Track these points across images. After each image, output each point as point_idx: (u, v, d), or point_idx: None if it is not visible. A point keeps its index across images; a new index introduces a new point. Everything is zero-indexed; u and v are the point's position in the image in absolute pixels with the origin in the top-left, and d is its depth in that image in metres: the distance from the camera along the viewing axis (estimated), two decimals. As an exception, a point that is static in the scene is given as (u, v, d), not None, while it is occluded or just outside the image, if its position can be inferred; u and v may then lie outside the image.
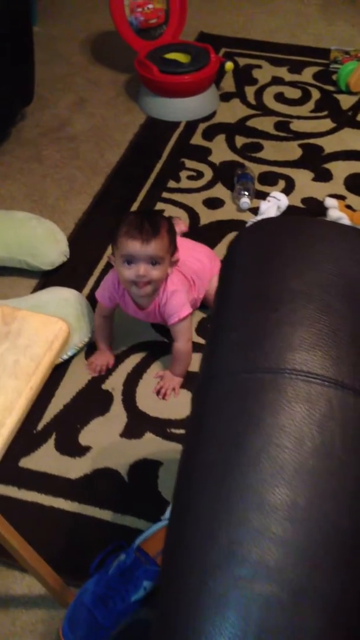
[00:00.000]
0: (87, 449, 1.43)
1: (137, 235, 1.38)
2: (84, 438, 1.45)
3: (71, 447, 1.43)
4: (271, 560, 0.65)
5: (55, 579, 1.16)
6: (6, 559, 1.21)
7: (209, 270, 1.66)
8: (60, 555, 1.26)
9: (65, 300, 1.60)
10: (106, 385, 1.56)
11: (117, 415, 1.50)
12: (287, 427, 0.71)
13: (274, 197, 1.99)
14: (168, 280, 1.49)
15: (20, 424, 0.71)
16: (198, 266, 1.63)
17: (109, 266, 1.83)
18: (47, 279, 1.81)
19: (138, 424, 1.48)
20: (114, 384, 1.56)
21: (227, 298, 0.88)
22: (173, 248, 1.46)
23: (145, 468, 1.40)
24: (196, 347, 1.62)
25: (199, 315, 1.70)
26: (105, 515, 1.32)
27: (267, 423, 0.72)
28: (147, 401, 1.52)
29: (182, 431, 1.46)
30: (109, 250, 1.88)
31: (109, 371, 1.58)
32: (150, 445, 1.44)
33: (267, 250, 0.91)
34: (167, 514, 1.28)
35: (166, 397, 1.53)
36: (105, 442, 1.44)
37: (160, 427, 1.47)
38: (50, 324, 0.78)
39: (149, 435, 1.46)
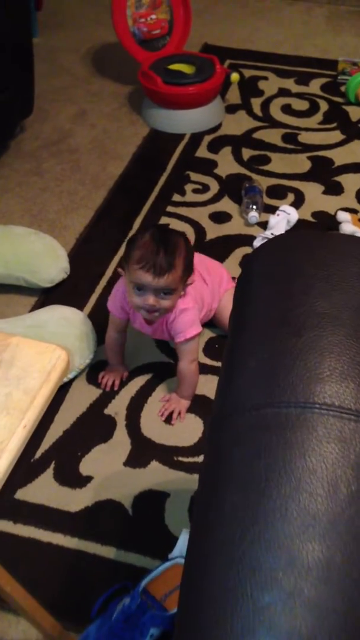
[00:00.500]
0: (88, 479, 1.34)
1: (149, 267, 1.28)
2: (85, 467, 1.36)
3: (71, 477, 1.34)
4: (304, 628, 0.56)
5: (53, 624, 1.06)
6: None
7: (220, 287, 1.58)
8: (58, 597, 1.17)
9: (65, 319, 1.52)
10: (109, 410, 1.47)
11: (121, 442, 1.40)
12: (318, 471, 0.62)
13: (284, 211, 1.91)
14: (180, 300, 1.40)
15: (12, 467, 0.62)
16: (206, 286, 1.54)
17: (111, 282, 1.75)
18: (46, 296, 1.73)
19: (143, 451, 1.39)
20: (117, 408, 1.47)
21: (244, 322, 0.79)
22: (188, 273, 1.36)
23: (151, 500, 1.30)
24: (204, 368, 1.53)
25: (207, 335, 1.62)
26: (108, 552, 1.23)
27: (296, 466, 0.63)
28: (152, 427, 1.43)
29: (190, 459, 1.37)
30: (112, 264, 1.80)
31: (112, 395, 1.49)
32: (156, 475, 1.34)
33: (287, 268, 0.82)
34: (175, 551, 1.18)
35: (172, 421, 1.44)
36: (108, 471, 1.35)
37: (167, 455, 1.38)
38: (47, 352, 0.70)
39: (154, 464, 1.36)
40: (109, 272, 1.79)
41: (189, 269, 1.36)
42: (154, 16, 2.51)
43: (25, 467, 1.35)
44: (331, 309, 0.74)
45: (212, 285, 1.55)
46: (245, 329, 0.78)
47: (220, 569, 0.60)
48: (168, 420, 1.44)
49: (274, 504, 0.61)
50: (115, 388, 1.50)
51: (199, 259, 1.63)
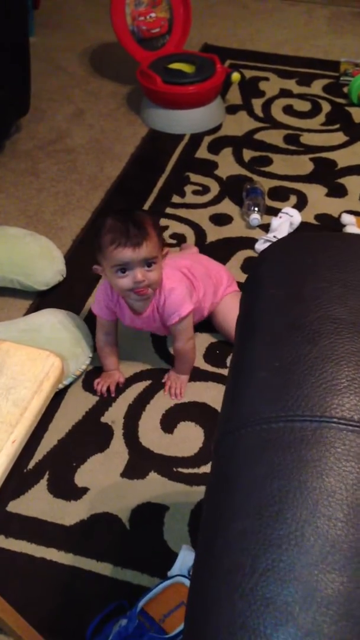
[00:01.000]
0: (84, 490, 1.28)
1: (125, 241, 1.26)
2: (81, 478, 1.30)
3: (66, 489, 1.28)
4: (323, 670, 0.50)
5: (46, 646, 1.01)
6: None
7: (218, 289, 1.53)
8: (51, 617, 1.11)
9: (61, 323, 1.46)
10: (105, 418, 1.41)
11: (118, 452, 1.34)
12: (337, 493, 0.57)
13: (286, 213, 1.85)
14: (164, 279, 1.37)
15: (0, 484, 0.57)
16: (202, 271, 1.51)
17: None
18: (41, 300, 1.67)
19: (141, 462, 1.33)
20: (114, 416, 1.41)
21: (253, 329, 0.74)
22: (162, 242, 1.34)
23: (149, 513, 1.24)
24: (205, 375, 1.48)
25: (208, 341, 1.56)
26: (103, 568, 1.17)
27: (312, 487, 0.57)
28: (151, 436, 1.37)
29: (191, 470, 1.31)
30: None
31: (109, 402, 1.43)
32: (154, 487, 1.28)
33: (299, 271, 0.76)
34: (175, 568, 1.12)
35: (178, 396, 1.44)
36: (105, 482, 1.29)
37: (166, 465, 1.32)
38: (39, 359, 0.64)
39: (153, 475, 1.30)
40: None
41: (161, 238, 1.34)
42: (153, 14, 2.45)
43: (18, 478, 1.29)
44: (348, 315, 0.69)
45: (205, 282, 1.50)
46: (254, 335, 0.72)
47: (228, 603, 0.54)
48: (167, 428, 1.38)
49: (288, 530, 0.56)
50: (112, 394, 1.45)
51: (197, 257, 1.58)
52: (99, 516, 1.24)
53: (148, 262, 1.29)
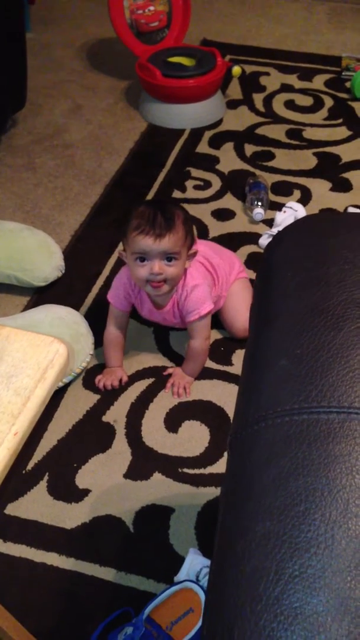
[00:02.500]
0: (85, 492, 1.22)
1: (149, 230, 1.23)
2: (82, 480, 1.25)
3: (67, 491, 1.23)
4: None
5: (47, 656, 0.95)
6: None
7: (230, 275, 1.50)
8: (52, 624, 1.06)
9: (60, 319, 1.41)
10: (107, 417, 1.35)
11: (120, 452, 1.29)
12: (370, 490, 0.52)
13: (291, 208, 1.81)
14: (188, 275, 1.34)
15: (1, 481, 0.52)
16: (217, 260, 1.48)
17: (109, 282, 1.64)
18: (39, 296, 1.62)
19: (144, 462, 1.27)
20: (116, 415, 1.36)
21: (270, 315, 0.69)
22: (190, 240, 1.31)
23: (154, 515, 1.19)
24: (209, 373, 1.43)
25: (212, 337, 1.51)
26: (107, 573, 1.11)
27: (342, 484, 0.52)
28: (154, 435, 1.32)
29: (196, 471, 1.26)
30: (109, 263, 1.70)
31: (111, 401, 1.38)
32: (159, 488, 1.23)
33: (319, 253, 0.71)
34: (182, 573, 1.07)
35: (181, 396, 1.39)
36: (107, 484, 1.24)
37: (171, 466, 1.27)
38: (42, 346, 0.59)
39: (157, 476, 1.25)
40: (105, 272, 1.69)
41: (190, 236, 1.30)
42: (152, 8, 2.41)
43: (17, 479, 1.24)
44: (374, 298, 0.64)
45: (223, 269, 1.47)
46: (271, 322, 0.67)
47: (252, 614, 0.49)
48: (172, 427, 1.33)
49: (317, 532, 0.51)
50: (116, 387, 1.40)
51: (209, 245, 1.54)
52: (102, 519, 1.19)
53: (168, 256, 1.25)
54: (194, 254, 1.33)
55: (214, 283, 1.43)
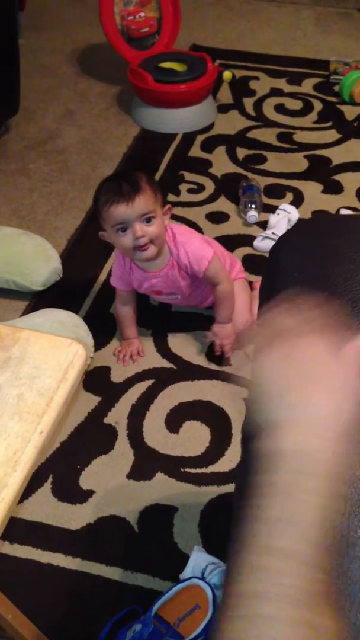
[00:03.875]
0: (89, 493, 1.24)
1: (118, 198, 1.25)
2: (86, 481, 1.26)
3: (71, 492, 1.24)
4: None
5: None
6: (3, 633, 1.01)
7: (234, 265, 1.54)
8: (61, 624, 1.07)
9: (60, 323, 1.42)
10: (108, 419, 1.37)
11: (123, 453, 1.31)
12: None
13: (284, 210, 1.83)
14: (175, 231, 1.37)
15: (27, 482, 0.53)
16: (224, 252, 1.53)
17: (106, 286, 1.66)
18: (37, 300, 1.63)
19: (147, 462, 1.29)
20: (118, 417, 1.37)
21: (280, 313, 0.71)
22: (161, 197, 1.33)
23: (158, 515, 1.21)
24: (207, 373, 1.45)
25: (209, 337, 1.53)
26: (113, 573, 1.13)
27: None
28: (156, 436, 1.34)
29: (198, 470, 1.28)
30: (106, 267, 1.72)
31: (112, 403, 1.40)
32: (162, 488, 1.25)
33: (322, 254, 0.74)
34: (187, 571, 1.09)
35: (229, 352, 1.45)
36: (110, 485, 1.26)
37: (173, 466, 1.28)
38: (62, 347, 0.61)
39: (160, 476, 1.27)
40: (102, 276, 1.70)
41: (158, 192, 1.32)
42: (142, 14, 2.43)
43: (21, 482, 1.25)
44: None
45: (227, 263, 1.51)
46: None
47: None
48: (173, 428, 1.35)
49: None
50: (134, 363, 1.47)
51: (214, 243, 1.56)
52: (106, 519, 1.20)
53: (146, 217, 1.27)
54: (169, 209, 1.35)
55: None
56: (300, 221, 0.74)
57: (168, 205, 1.35)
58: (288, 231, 0.81)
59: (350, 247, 0.72)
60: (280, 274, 0.75)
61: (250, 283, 1.60)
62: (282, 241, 0.79)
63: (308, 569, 0.41)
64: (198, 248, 1.37)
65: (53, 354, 0.60)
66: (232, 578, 0.44)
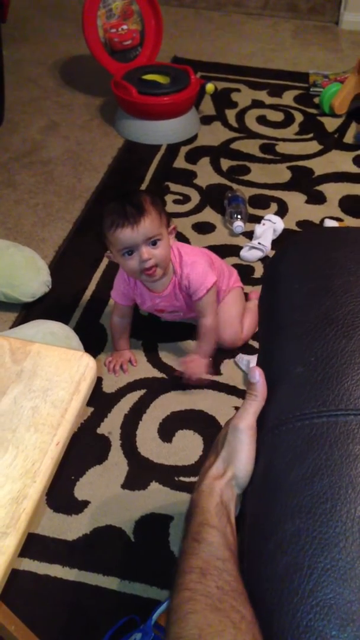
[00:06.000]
0: (84, 504, 1.24)
1: (123, 222, 1.25)
2: (80, 491, 1.27)
3: (66, 503, 1.24)
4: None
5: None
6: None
7: (229, 280, 1.55)
8: (60, 635, 1.07)
9: (52, 334, 1.43)
10: (102, 429, 1.38)
11: (117, 463, 1.32)
12: (392, 486, 0.56)
13: (269, 220, 1.86)
14: (181, 251, 1.38)
15: (46, 490, 0.54)
16: (221, 262, 1.54)
17: (95, 297, 1.67)
18: (27, 312, 1.64)
19: (141, 472, 1.30)
20: (111, 427, 1.38)
21: (281, 325, 0.73)
22: (166, 218, 1.33)
23: (154, 524, 1.21)
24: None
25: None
26: (110, 583, 1.13)
27: (365, 481, 0.56)
28: (149, 446, 1.35)
29: (192, 479, 1.29)
30: (95, 278, 1.73)
31: (104, 413, 1.40)
32: (157, 497, 1.26)
33: (322, 266, 0.76)
34: (185, 579, 1.09)
35: (197, 376, 1.44)
36: (105, 495, 1.26)
37: (167, 475, 1.29)
38: (73, 360, 0.62)
39: (154, 486, 1.28)
40: (92, 286, 1.71)
41: (164, 214, 1.32)
42: (125, 27, 2.45)
43: (15, 493, 1.25)
44: (381, 307, 0.68)
45: (224, 272, 1.52)
46: (283, 331, 0.71)
47: (289, 607, 0.52)
48: (165, 437, 1.36)
49: (344, 527, 0.54)
50: (125, 373, 1.48)
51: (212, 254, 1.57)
52: (102, 529, 1.21)
53: (152, 240, 1.28)
54: (174, 229, 1.35)
55: (212, 263, 1.46)
56: (298, 233, 0.76)
57: (174, 225, 1.35)
58: (285, 244, 0.83)
59: (350, 259, 0.74)
60: (280, 286, 0.77)
61: (246, 294, 1.62)
62: (280, 254, 0.81)
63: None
64: (201, 274, 1.37)
65: (64, 366, 0.61)
66: None
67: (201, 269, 1.38)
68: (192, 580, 0.55)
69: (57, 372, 0.60)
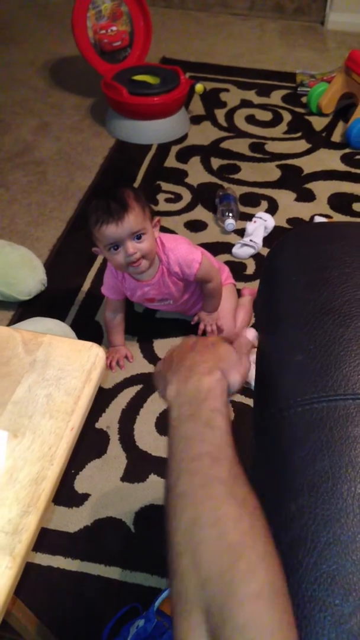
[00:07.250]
0: (85, 496, 1.27)
1: (107, 218, 1.27)
2: (81, 485, 1.29)
3: (67, 496, 1.27)
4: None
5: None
6: (11, 635, 1.03)
7: (222, 271, 1.59)
8: (64, 624, 1.09)
9: (49, 331, 1.45)
10: (100, 424, 1.40)
11: (116, 456, 1.34)
12: (389, 466, 0.59)
13: (260, 218, 1.89)
14: (162, 239, 1.41)
15: (62, 474, 0.57)
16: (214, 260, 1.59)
17: (91, 294, 1.70)
18: (24, 310, 1.66)
19: (139, 465, 1.33)
20: (109, 421, 1.41)
21: (281, 315, 0.76)
22: (149, 212, 1.35)
23: (153, 515, 1.24)
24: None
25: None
26: (112, 572, 1.16)
27: (363, 462, 0.59)
28: (147, 439, 1.37)
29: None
30: (90, 276, 1.75)
31: (103, 408, 1.43)
32: (155, 489, 1.29)
33: (318, 259, 0.79)
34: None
35: (215, 333, 1.53)
36: (105, 487, 1.29)
37: (165, 467, 1.32)
38: (84, 350, 0.64)
39: (153, 478, 1.31)
40: (87, 284, 1.73)
41: (146, 207, 1.34)
42: (114, 28, 2.48)
43: (17, 487, 1.27)
44: (376, 297, 0.71)
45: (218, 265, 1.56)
46: (282, 321, 0.74)
47: (294, 579, 0.55)
48: (163, 430, 1.39)
49: (345, 504, 0.57)
50: (122, 368, 1.52)
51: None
52: (103, 521, 1.23)
53: (137, 235, 1.30)
54: (158, 222, 1.38)
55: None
56: (294, 228, 0.79)
57: (157, 218, 1.38)
58: (282, 239, 0.86)
59: (345, 252, 0.77)
60: (278, 278, 0.80)
61: (239, 290, 1.65)
62: (277, 248, 0.84)
63: None
64: (187, 252, 1.41)
65: (75, 356, 0.63)
66: None
67: (185, 248, 1.41)
68: (204, 466, 0.55)
69: (69, 362, 0.63)
